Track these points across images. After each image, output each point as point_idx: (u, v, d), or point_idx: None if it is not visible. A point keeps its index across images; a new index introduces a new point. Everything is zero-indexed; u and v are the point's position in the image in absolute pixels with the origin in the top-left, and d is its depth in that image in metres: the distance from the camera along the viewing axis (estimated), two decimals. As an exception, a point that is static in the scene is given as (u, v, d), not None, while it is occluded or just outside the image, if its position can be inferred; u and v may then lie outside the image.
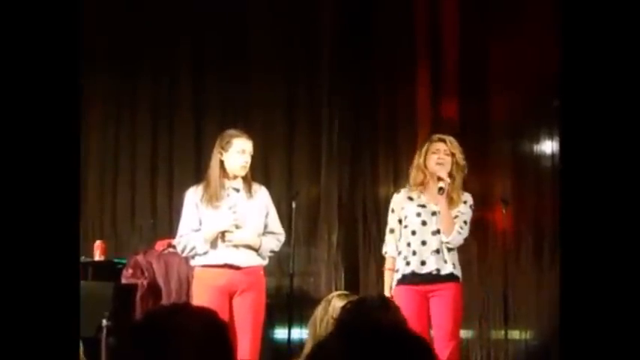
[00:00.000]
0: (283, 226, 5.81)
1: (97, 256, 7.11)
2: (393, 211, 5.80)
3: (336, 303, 3.90)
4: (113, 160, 8.09)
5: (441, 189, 5.58)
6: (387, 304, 3.62)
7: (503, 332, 6.69)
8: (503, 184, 7.42)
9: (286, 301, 6.65)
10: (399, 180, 7.95)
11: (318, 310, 3.95)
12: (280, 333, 7.30)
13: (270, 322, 6.89)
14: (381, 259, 7.80)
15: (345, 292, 4.46)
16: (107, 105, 8.10)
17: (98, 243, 7.18)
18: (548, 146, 7.54)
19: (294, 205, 6.25)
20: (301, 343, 6.65)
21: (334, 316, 3.75)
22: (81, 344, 5.86)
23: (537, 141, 7.63)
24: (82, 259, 6.87)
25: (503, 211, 6.15)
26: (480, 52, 7.77)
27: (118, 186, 8.06)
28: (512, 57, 7.60)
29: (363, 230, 7.85)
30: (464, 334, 5.67)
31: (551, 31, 6.55)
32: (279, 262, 6.77)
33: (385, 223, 7.82)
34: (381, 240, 7.83)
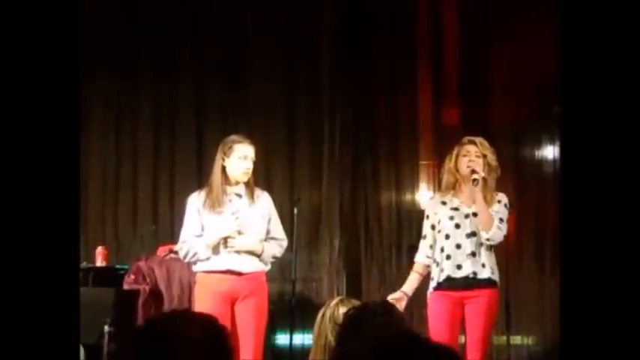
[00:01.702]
0: (285, 232, 5.80)
1: (99, 262, 7.11)
2: (427, 217, 5.72)
3: (338, 309, 3.89)
4: (115, 167, 8.11)
5: (475, 180, 5.51)
6: (390, 310, 3.61)
7: (505, 338, 6.68)
8: (505, 189, 7.40)
9: (288, 306, 6.65)
10: (400, 186, 7.97)
11: (320, 317, 3.94)
12: (282, 339, 7.30)
13: (272, 328, 6.89)
14: (382, 264, 7.82)
15: (347, 297, 4.45)
16: (108, 112, 8.12)
17: (100, 249, 7.18)
18: (550, 151, 7.54)
19: (295, 210, 6.24)
20: (303, 349, 6.66)
21: (337, 322, 3.75)
22: (83, 350, 5.89)
23: (539, 146, 7.63)
24: (84, 265, 6.88)
25: (506, 216, 6.13)
26: (481, 58, 7.78)
27: (119, 192, 8.08)
28: (513, 63, 7.61)
29: (365, 236, 7.86)
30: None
31: (552, 36, 6.55)
32: (281, 267, 6.76)
33: (387, 228, 7.87)
34: (382, 245, 7.87)
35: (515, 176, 7.61)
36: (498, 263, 6.16)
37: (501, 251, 6.54)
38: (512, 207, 6.25)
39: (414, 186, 7.94)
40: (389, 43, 8.01)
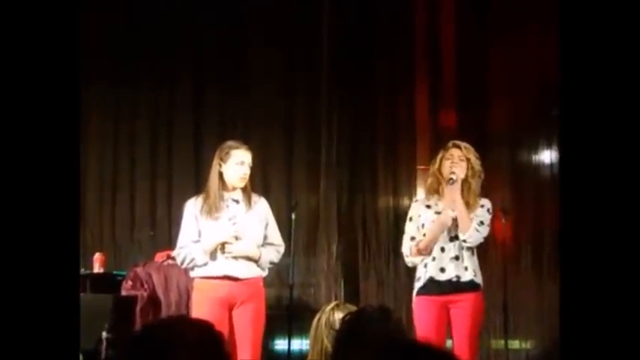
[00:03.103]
0: (283, 237, 5.80)
1: (97, 269, 7.10)
2: (411, 219, 5.75)
3: (333, 314, 3.89)
4: (112, 172, 8.09)
5: (450, 180, 5.55)
6: (387, 314, 3.60)
7: (503, 342, 6.68)
8: (503, 193, 7.42)
9: (286, 312, 6.64)
10: (398, 190, 7.97)
11: (316, 322, 3.93)
12: (280, 344, 7.30)
13: (270, 333, 6.88)
14: (380, 269, 7.82)
15: (343, 302, 4.44)
16: (106, 117, 8.11)
17: (97, 255, 7.17)
18: (547, 155, 7.55)
19: (293, 216, 6.23)
20: (301, 354, 6.65)
21: (333, 327, 3.74)
22: (81, 357, 5.88)
23: (536, 150, 7.63)
24: (82, 271, 6.86)
25: (503, 221, 6.14)
26: (479, 61, 7.78)
27: (117, 198, 8.06)
28: (511, 66, 7.61)
29: (363, 241, 7.86)
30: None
31: (550, 40, 6.56)
32: (278, 273, 6.76)
33: (384, 233, 7.86)
34: (380, 250, 7.86)
35: (512, 180, 7.62)
36: (496, 267, 6.17)
37: (499, 255, 6.56)
38: (507, 212, 6.27)
39: (411, 191, 7.95)
40: (386, 48, 8.02)
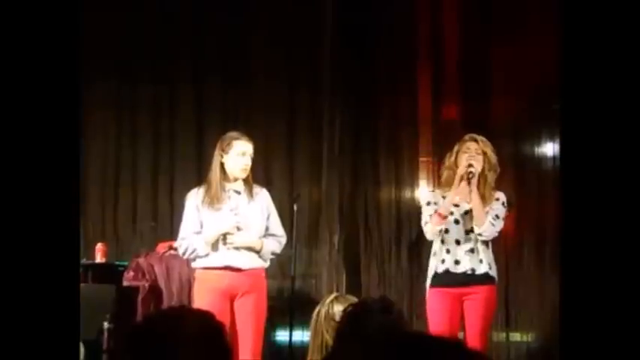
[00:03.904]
0: (284, 229, 5.80)
1: (99, 259, 7.11)
2: (428, 203, 5.72)
3: (333, 306, 3.88)
4: (114, 163, 8.09)
5: (470, 173, 5.56)
6: (388, 306, 3.60)
7: (504, 335, 6.68)
8: (505, 186, 7.40)
9: (288, 303, 6.64)
10: (399, 182, 7.96)
11: (316, 315, 3.92)
12: (282, 335, 7.30)
13: (271, 325, 6.88)
14: (382, 261, 7.81)
15: (343, 294, 4.43)
16: (108, 108, 8.10)
17: (99, 246, 7.17)
18: (550, 148, 7.54)
19: (295, 207, 6.24)
20: (302, 345, 6.65)
21: (333, 319, 3.74)
22: (82, 347, 5.89)
23: (538, 143, 7.62)
24: (84, 261, 6.87)
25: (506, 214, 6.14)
26: (481, 54, 7.76)
27: (119, 189, 8.06)
28: (514, 59, 7.59)
29: (365, 232, 7.85)
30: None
31: (552, 34, 6.54)
32: (280, 264, 6.76)
33: (386, 225, 7.85)
34: (382, 242, 7.85)
35: (514, 173, 7.60)
36: (498, 260, 6.16)
37: (501, 248, 6.55)
38: (511, 204, 6.27)
39: (413, 183, 7.94)
40: (389, 40, 8.00)
